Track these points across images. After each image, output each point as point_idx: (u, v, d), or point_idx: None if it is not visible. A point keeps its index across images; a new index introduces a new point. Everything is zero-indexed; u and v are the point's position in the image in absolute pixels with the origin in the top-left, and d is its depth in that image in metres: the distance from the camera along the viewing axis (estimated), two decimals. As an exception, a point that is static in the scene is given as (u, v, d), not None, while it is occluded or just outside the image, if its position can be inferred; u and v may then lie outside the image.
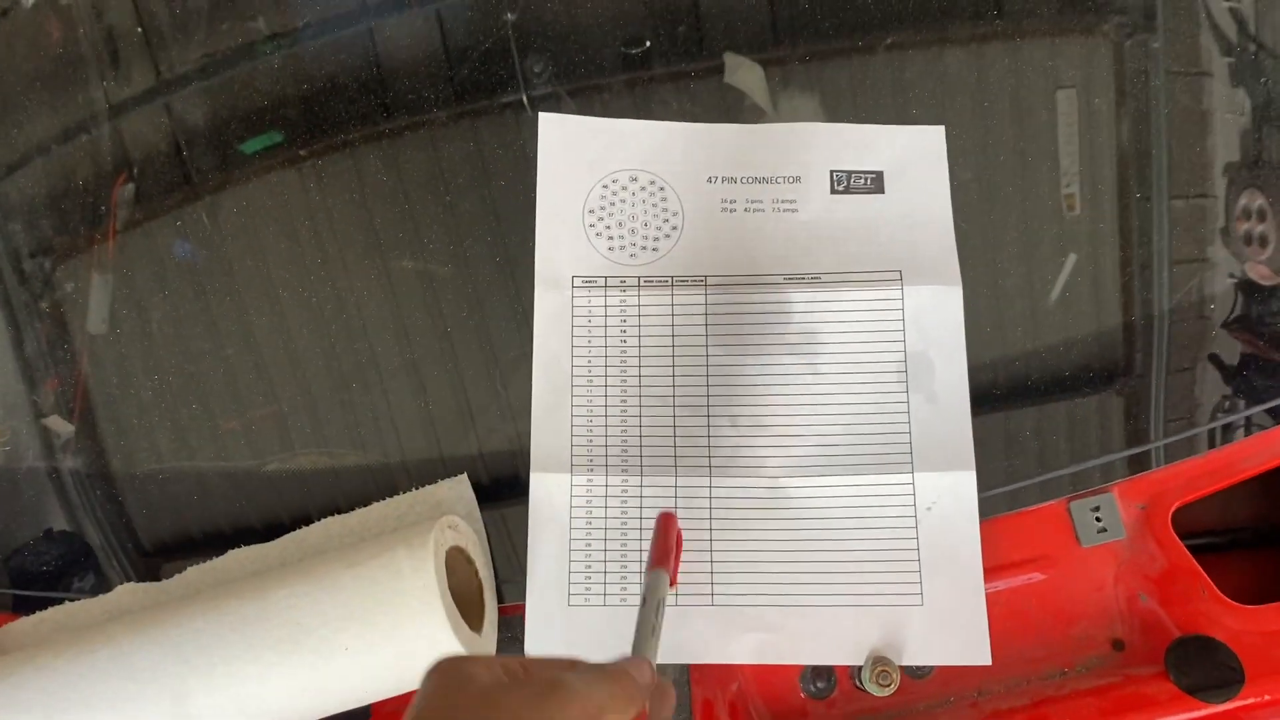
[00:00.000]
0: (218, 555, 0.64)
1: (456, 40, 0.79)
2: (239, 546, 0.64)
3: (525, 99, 0.72)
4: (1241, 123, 0.74)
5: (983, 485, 0.64)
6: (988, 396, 0.66)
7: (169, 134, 0.80)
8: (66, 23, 0.85)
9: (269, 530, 0.65)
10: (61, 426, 0.73)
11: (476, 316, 0.68)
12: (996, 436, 0.66)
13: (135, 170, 0.78)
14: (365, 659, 0.54)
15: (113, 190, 0.78)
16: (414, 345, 0.68)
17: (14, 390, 0.76)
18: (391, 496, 0.64)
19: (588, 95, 0.73)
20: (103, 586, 0.66)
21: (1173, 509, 0.64)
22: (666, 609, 0.56)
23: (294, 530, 0.64)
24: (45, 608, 0.65)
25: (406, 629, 0.53)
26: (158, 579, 0.65)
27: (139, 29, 0.83)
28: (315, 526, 0.63)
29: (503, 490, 0.65)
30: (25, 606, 0.66)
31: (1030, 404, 0.67)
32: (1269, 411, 0.67)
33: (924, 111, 0.70)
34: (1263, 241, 0.73)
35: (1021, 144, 0.71)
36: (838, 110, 0.71)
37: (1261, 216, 0.73)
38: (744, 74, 0.72)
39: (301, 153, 0.74)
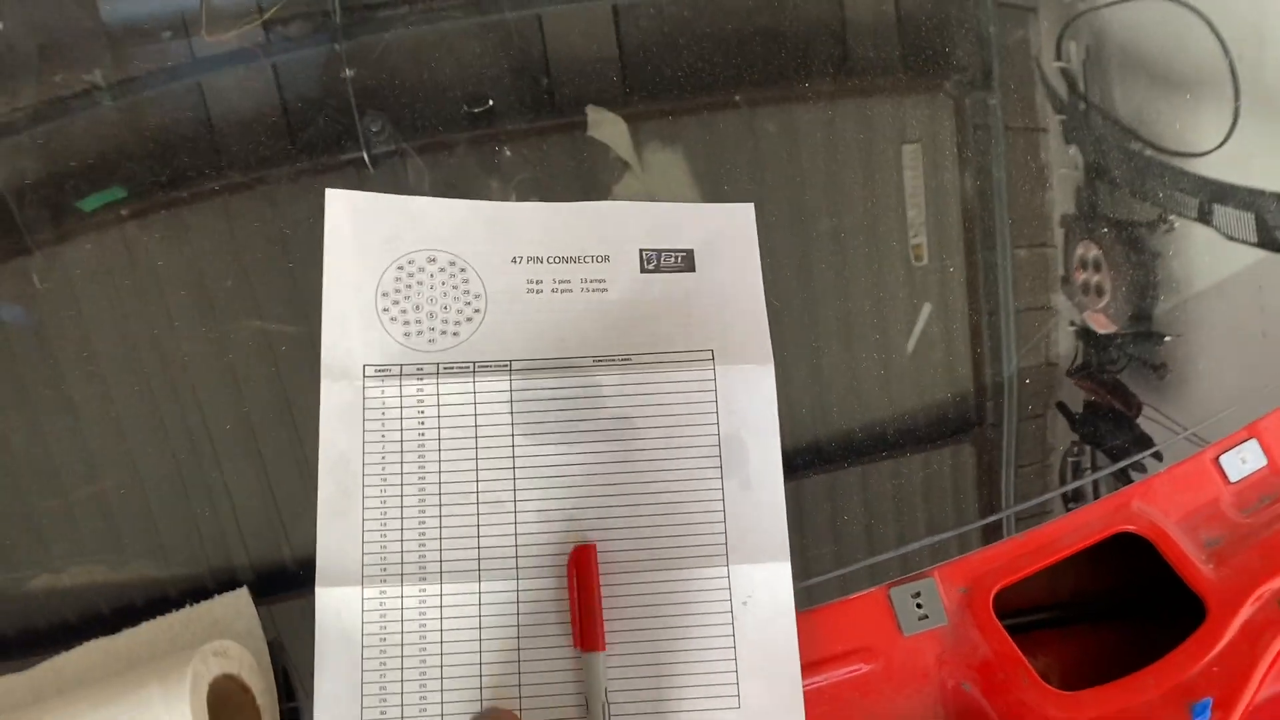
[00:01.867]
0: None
1: (295, 95, 0.75)
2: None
3: (366, 157, 0.69)
4: (1075, 177, 0.75)
5: (803, 573, 0.62)
6: (808, 478, 0.64)
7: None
8: None
9: (26, 658, 0.58)
10: None
11: (299, 404, 0.62)
12: (816, 521, 0.64)
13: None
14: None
15: None
16: (248, 425, 0.63)
17: None
18: (163, 614, 0.58)
19: (432, 152, 0.69)
20: None
21: (994, 591, 0.63)
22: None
23: (52, 657, 0.57)
24: None
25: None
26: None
27: None
28: (75, 652, 0.57)
29: (291, 602, 0.60)
30: None
31: (853, 484, 0.65)
32: (1082, 489, 0.67)
33: (780, 162, 0.70)
34: (1099, 290, 0.73)
35: (870, 196, 0.71)
36: (696, 165, 0.69)
37: (1097, 267, 0.74)
38: (607, 128, 0.69)
39: (138, 209, 0.69)
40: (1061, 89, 0.80)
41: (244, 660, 0.55)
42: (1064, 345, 0.71)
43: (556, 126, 0.72)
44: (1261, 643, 0.61)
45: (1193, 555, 0.65)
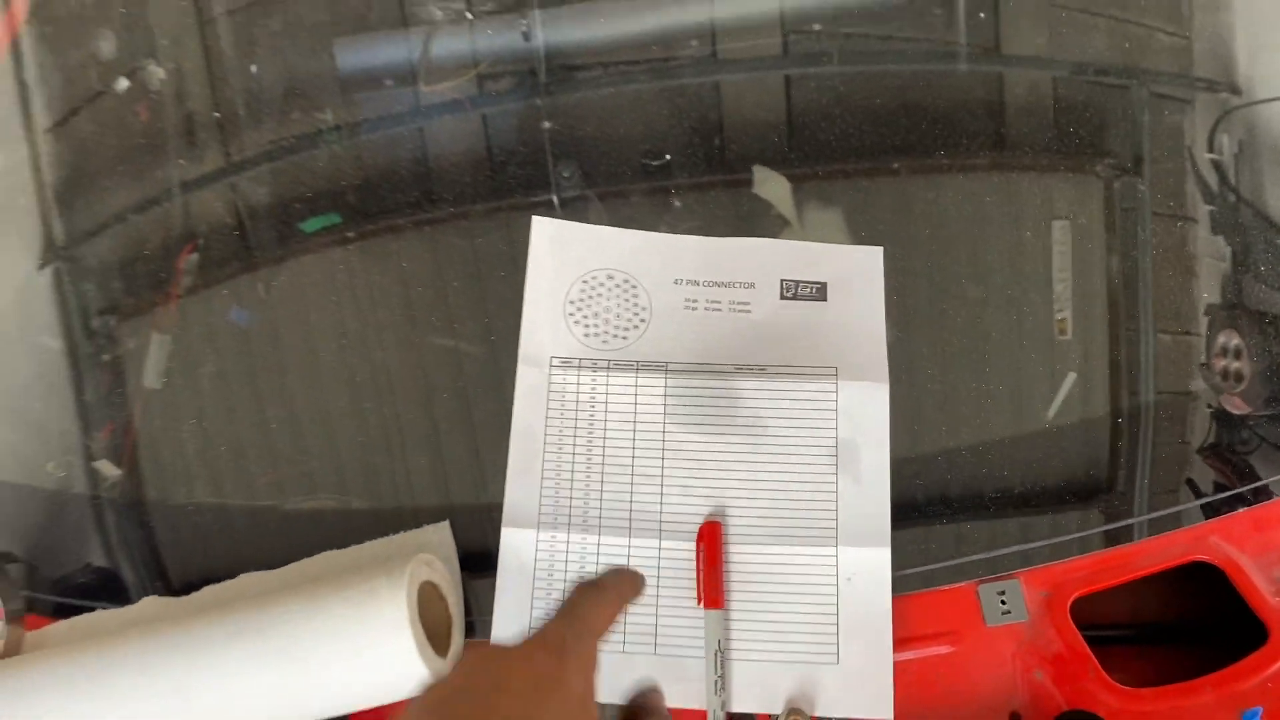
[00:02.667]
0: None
1: (498, 143, 0.91)
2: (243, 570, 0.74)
3: (556, 200, 0.84)
4: (1222, 268, 0.83)
5: (901, 564, 0.72)
6: (920, 484, 0.75)
7: (236, 211, 0.92)
8: (153, 107, 0.98)
9: (281, 561, 0.75)
10: (109, 470, 0.84)
11: (492, 392, 0.78)
12: (922, 520, 0.74)
13: (201, 241, 0.90)
14: (344, 670, 0.63)
15: (179, 258, 0.90)
16: (432, 413, 0.79)
17: (71, 432, 0.87)
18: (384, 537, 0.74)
19: (612, 199, 0.83)
20: (131, 601, 0.76)
21: (1072, 599, 0.71)
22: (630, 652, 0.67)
23: (299, 560, 0.74)
24: (69, 614, 0.75)
25: (378, 647, 0.63)
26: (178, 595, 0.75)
27: (216, 114, 0.96)
28: (317, 558, 0.73)
29: (482, 540, 0.74)
30: (63, 613, 0.76)
31: (959, 493, 0.76)
32: (1168, 516, 0.75)
33: (932, 230, 0.81)
34: (1238, 376, 0.81)
35: (1019, 267, 0.81)
36: (853, 225, 0.81)
37: (1238, 354, 0.81)
38: (771, 186, 0.82)
39: (359, 235, 0.86)
40: (1212, 180, 0.87)
41: (443, 575, 0.70)
42: (1199, 425, 0.79)
43: (724, 182, 0.85)
44: (1319, 667, 0.68)
45: (1262, 586, 0.72)
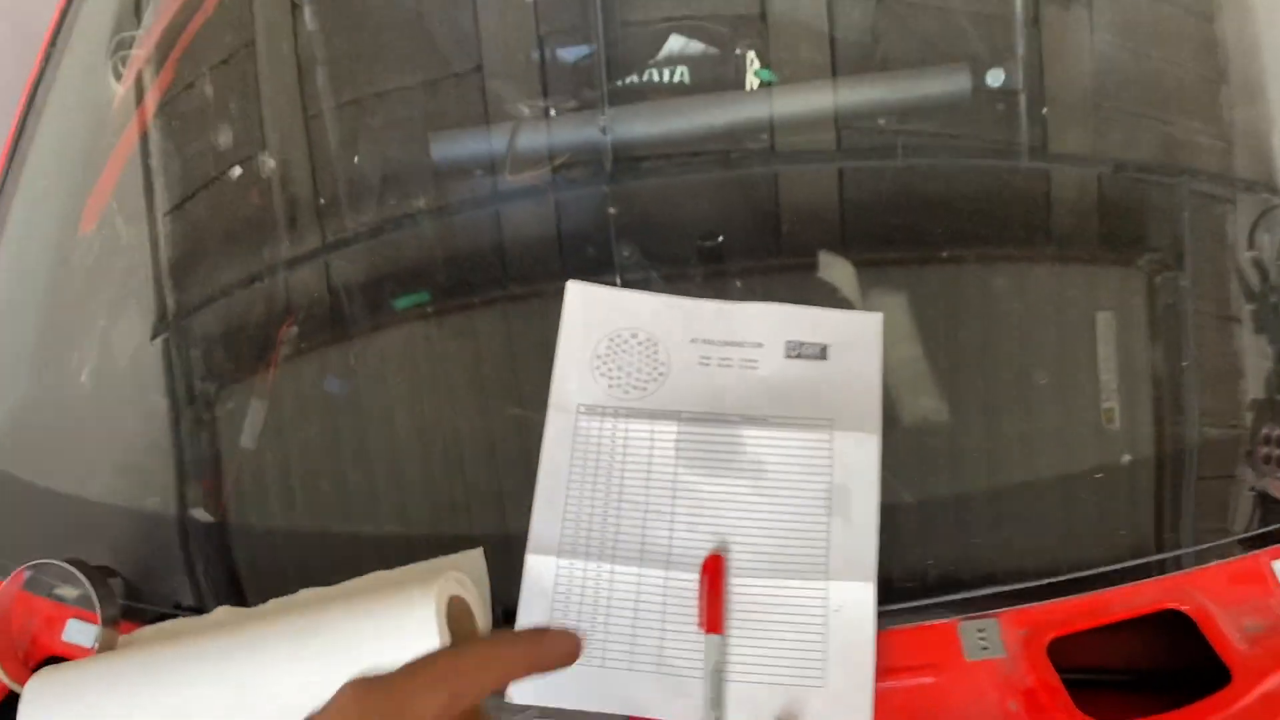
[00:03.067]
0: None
1: (569, 226, 1.02)
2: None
3: (619, 280, 0.93)
4: (1264, 366, 0.88)
5: (889, 600, 0.79)
6: (909, 528, 0.82)
7: (332, 288, 1.04)
8: (262, 192, 1.12)
9: (339, 580, 0.85)
10: (204, 517, 0.95)
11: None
12: (909, 560, 0.81)
13: (301, 315, 1.02)
14: (379, 668, 0.72)
15: (280, 330, 1.02)
16: (496, 472, 0.89)
17: (170, 482, 0.99)
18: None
19: (674, 281, 0.92)
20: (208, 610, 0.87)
21: (1048, 638, 0.77)
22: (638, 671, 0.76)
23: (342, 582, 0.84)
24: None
25: (409, 649, 0.72)
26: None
27: (320, 200, 1.09)
28: (367, 576, 0.83)
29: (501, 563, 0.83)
30: (150, 620, 0.87)
31: (947, 536, 0.82)
32: (1144, 565, 0.80)
33: (974, 318, 0.89)
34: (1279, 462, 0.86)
35: (1064, 357, 0.88)
36: (906, 307, 0.88)
37: (1279, 443, 0.86)
38: (836, 271, 0.91)
39: (437, 310, 0.97)
40: (1253, 278, 0.92)
41: (473, 593, 0.78)
42: (1242, 510, 0.84)
43: (789, 265, 0.93)
44: (1277, 709, 0.72)
45: (1230, 634, 0.76)
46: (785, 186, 1.05)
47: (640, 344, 0.88)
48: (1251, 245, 0.92)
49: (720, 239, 0.95)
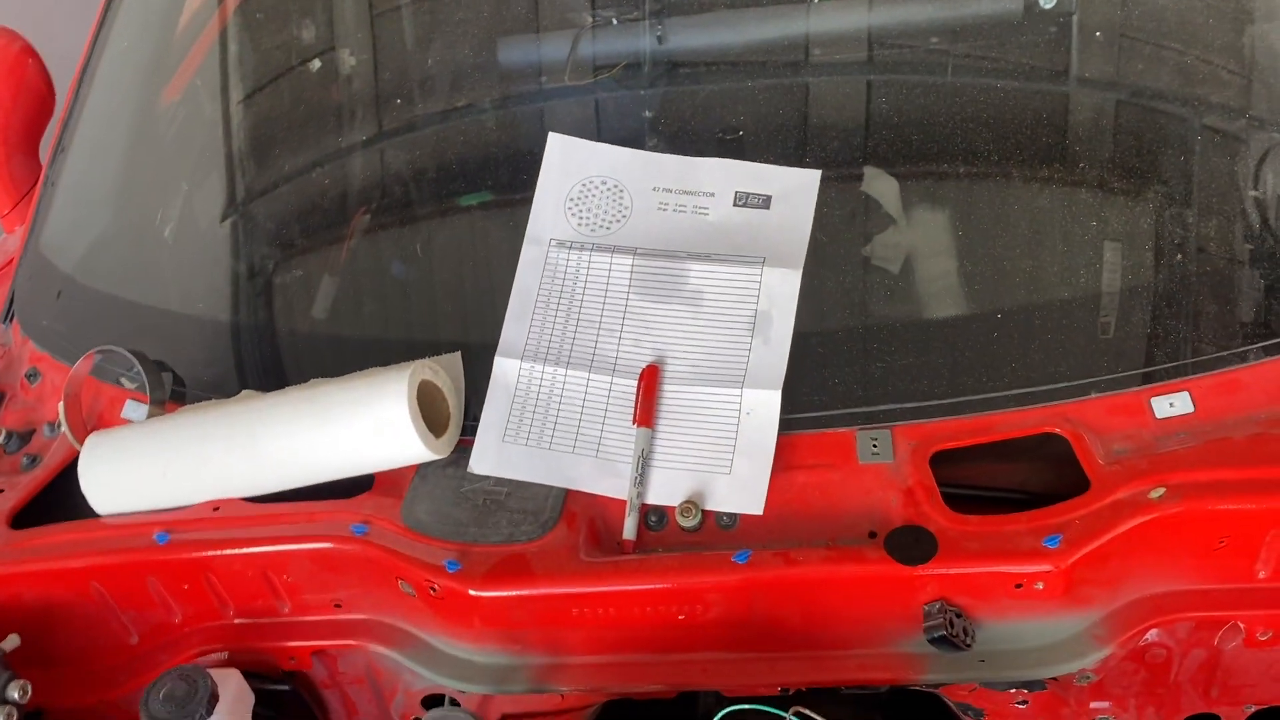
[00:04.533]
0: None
1: (607, 126, 1.14)
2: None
3: None
4: (1255, 297, 0.95)
5: (797, 408, 0.91)
6: (819, 348, 0.93)
7: (406, 183, 1.19)
8: (341, 85, 1.27)
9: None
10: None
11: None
12: (817, 375, 0.93)
13: (375, 205, 1.17)
14: (356, 434, 0.88)
15: (354, 217, 1.17)
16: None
17: (225, 305, 1.16)
18: (411, 361, 0.99)
19: None
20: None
21: (934, 450, 0.88)
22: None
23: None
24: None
25: (384, 414, 0.87)
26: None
27: (398, 100, 1.23)
28: (367, 370, 0.98)
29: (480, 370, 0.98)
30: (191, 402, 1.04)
31: (853, 355, 0.94)
32: (1031, 394, 0.90)
33: (994, 231, 0.99)
34: None
35: (1069, 274, 0.96)
36: (963, 226, 0.99)
37: None
38: (880, 185, 1.01)
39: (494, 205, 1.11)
40: (1254, 217, 1.00)
41: (445, 382, 0.94)
42: (1109, 362, 0.91)
43: (831, 180, 1.03)
44: (1125, 514, 0.82)
45: (1098, 454, 0.86)
46: (816, 96, 1.15)
47: (609, 189, 1.01)
48: (1256, 184, 0.99)
49: (740, 133, 1.06)
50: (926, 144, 1.05)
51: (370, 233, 1.17)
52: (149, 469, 0.94)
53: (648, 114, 1.12)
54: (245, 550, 0.91)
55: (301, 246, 1.20)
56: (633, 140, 1.06)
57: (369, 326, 1.11)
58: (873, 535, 0.86)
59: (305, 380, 0.99)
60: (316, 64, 1.30)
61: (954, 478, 0.89)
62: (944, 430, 0.90)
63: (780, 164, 1.00)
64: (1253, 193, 0.98)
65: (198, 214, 1.27)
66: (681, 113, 1.13)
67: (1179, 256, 0.96)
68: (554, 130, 1.06)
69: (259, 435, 0.91)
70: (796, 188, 0.98)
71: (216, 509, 0.94)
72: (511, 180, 1.15)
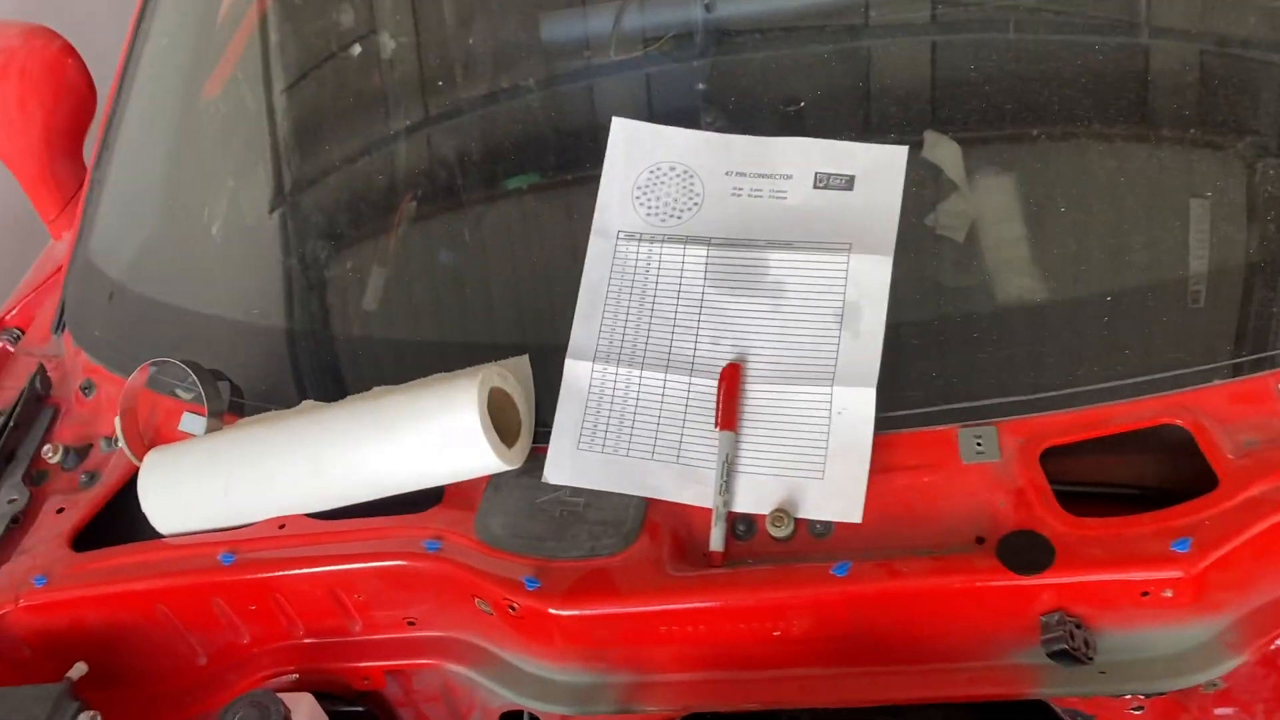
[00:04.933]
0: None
1: (659, 101, 1.08)
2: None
3: None
4: None
5: (894, 406, 0.85)
6: (915, 340, 0.87)
7: (451, 168, 1.14)
8: (383, 71, 1.23)
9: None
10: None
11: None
12: (916, 370, 0.87)
13: (421, 191, 1.13)
14: (427, 444, 0.84)
15: (401, 204, 1.13)
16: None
17: (280, 309, 1.12)
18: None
19: None
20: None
21: (1043, 446, 0.82)
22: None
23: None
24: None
25: (454, 426, 0.83)
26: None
27: (439, 82, 1.18)
28: (432, 376, 0.94)
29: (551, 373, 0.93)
30: (251, 414, 1.01)
31: (954, 346, 0.87)
32: (1146, 383, 0.83)
33: (1078, 197, 0.91)
34: None
35: (1157, 236, 0.89)
36: (1029, 191, 0.92)
37: None
38: (942, 150, 0.94)
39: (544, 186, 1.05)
40: None
41: (515, 387, 0.89)
42: (1231, 344, 0.84)
43: (864, 132, 0.96)
44: (1260, 513, 0.75)
45: (1225, 446, 0.79)
46: (877, 60, 1.09)
47: (678, 176, 0.95)
48: None
49: (802, 104, 1.00)
50: (1000, 106, 0.98)
51: (421, 222, 1.13)
52: (210, 487, 0.90)
53: (701, 86, 1.06)
54: (314, 570, 0.88)
55: (352, 240, 1.15)
56: (688, 116, 1.00)
57: (428, 326, 1.07)
58: (980, 541, 0.80)
59: (367, 387, 0.95)
60: (357, 49, 1.26)
61: (1060, 473, 0.82)
62: (1053, 425, 0.83)
63: (848, 136, 0.93)
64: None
65: (245, 211, 1.23)
66: (737, 85, 1.07)
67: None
68: (605, 109, 1.01)
69: (323, 450, 0.86)
70: (881, 166, 0.91)
71: (282, 526, 0.90)
72: (561, 161, 1.10)
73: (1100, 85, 0.97)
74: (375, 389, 0.95)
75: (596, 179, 0.99)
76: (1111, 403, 0.83)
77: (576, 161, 1.09)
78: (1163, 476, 0.87)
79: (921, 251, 0.89)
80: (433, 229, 1.13)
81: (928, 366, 0.88)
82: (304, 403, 0.97)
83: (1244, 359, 0.83)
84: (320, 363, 1.07)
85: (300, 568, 0.88)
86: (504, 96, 1.16)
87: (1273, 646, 0.79)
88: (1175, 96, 0.99)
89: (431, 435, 0.84)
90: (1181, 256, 0.89)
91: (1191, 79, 1.00)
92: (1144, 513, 0.78)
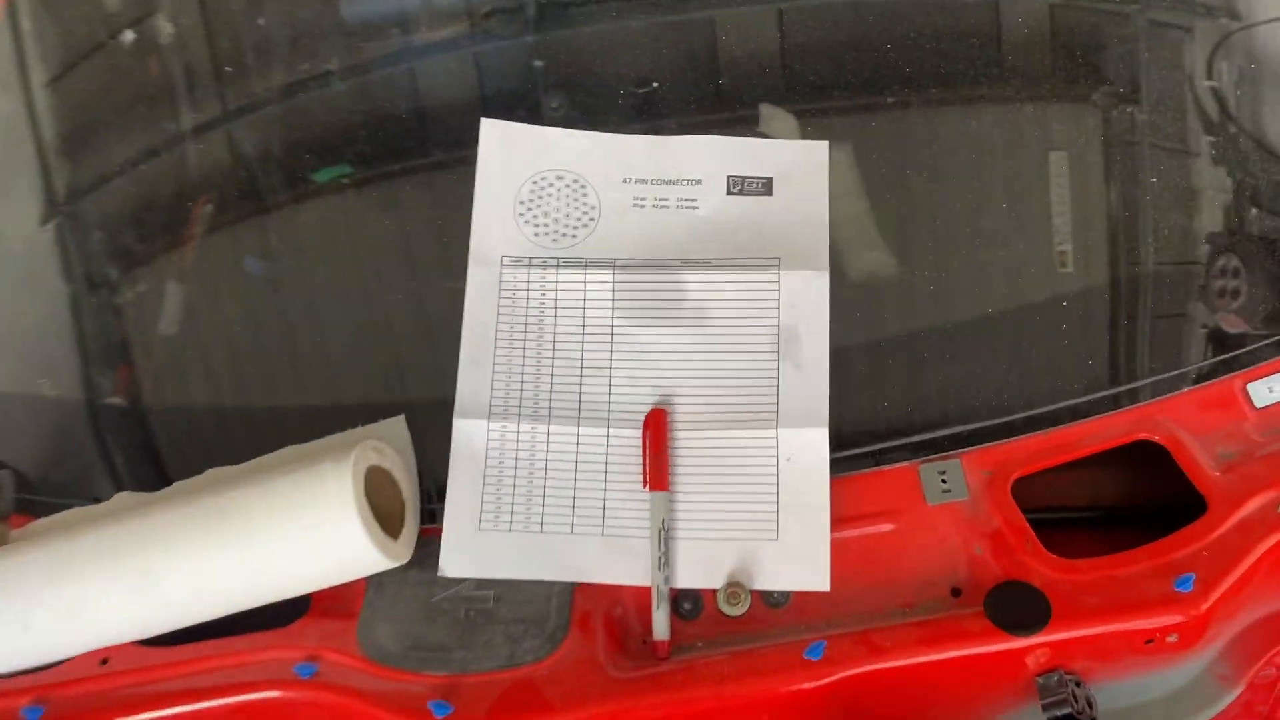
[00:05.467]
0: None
1: (491, 82, 0.92)
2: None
3: None
4: (1223, 197, 0.82)
5: (843, 445, 0.73)
6: (857, 368, 0.76)
7: (248, 162, 0.94)
8: (161, 58, 1.01)
9: (234, 456, 0.78)
10: (121, 404, 0.87)
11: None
12: (861, 404, 0.75)
13: (217, 192, 0.93)
14: (294, 549, 0.66)
15: (194, 209, 0.92)
16: (435, 348, 0.80)
17: (72, 370, 0.90)
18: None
19: (600, 128, 0.83)
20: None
21: (1013, 477, 0.73)
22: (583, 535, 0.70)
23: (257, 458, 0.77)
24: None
25: (326, 526, 0.65)
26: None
27: (228, 68, 0.98)
28: (278, 452, 0.76)
29: (434, 433, 0.77)
30: (46, 512, 0.79)
31: (898, 376, 0.77)
32: (1112, 396, 0.76)
33: (930, 159, 0.82)
34: (1234, 294, 0.81)
35: (1016, 198, 0.81)
36: (857, 159, 0.81)
37: (1235, 274, 0.81)
38: (779, 124, 0.83)
39: (359, 181, 0.87)
40: (1212, 108, 0.86)
41: (395, 461, 0.72)
42: (1194, 348, 0.79)
43: (727, 120, 0.85)
44: (1255, 536, 0.68)
45: (1204, 462, 0.72)
46: (723, 30, 0.96)
47: (567, 187, 0.80)
48: (1210, 74, 0.86)
49: (655, 85, 0.86)
50: (861, 73, 0.88)
51: (221, 232, 0.93)
52: (6, 622, 0.69)
53: (539, 63, 0.91)
54: (154, 715, 0.69)
55: (146, 264, 0.94)
56: (525, 100, 0.85)
57: (261, 382, 0.87)
58: (956, 593, 0.71)
59: (195, 468, 0.76)
60: (129, 35, 1.04)
61: (1019, 500, 0.74)
62: (1019, 452, 0.74)
63: (704, 114, 0.81)
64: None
65: (6, 235, 0.99)
66: (578, 63, 0.93)
67: (1251, 208, 0.82)
68: (427, 95, 0.85)
69: (154, 562, 0.67)
70: (801, 164, 0.79)
71: (105, 662, 0.71)
72: (377, 154, 0.93)
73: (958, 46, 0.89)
74: (209, 472, 0.77)
75: (428, 172, 0.86)
76: (1077, 421, 0.75)
77: (394, 153, 0.91)
78: (1121, 491, 0.80)
79: (841, 261, 0.78)
80: (240, 238, 0.93)
81: (871, 395, 0.76)
82: (118, 496, 0.77)
83: (1206, 363, 0.76)
84: (130, 437, 0.86)
85: (135, 713, 0.69)
86: (308, 85, 0.98)
87: (1264, 674, 0.73)
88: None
89: (296, 536, 0.66)
90: (1122, 254, 0.81)
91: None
92: (1134, 549, 0.70)
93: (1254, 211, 0.82)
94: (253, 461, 0.76)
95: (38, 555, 0.70)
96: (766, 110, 0.83)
